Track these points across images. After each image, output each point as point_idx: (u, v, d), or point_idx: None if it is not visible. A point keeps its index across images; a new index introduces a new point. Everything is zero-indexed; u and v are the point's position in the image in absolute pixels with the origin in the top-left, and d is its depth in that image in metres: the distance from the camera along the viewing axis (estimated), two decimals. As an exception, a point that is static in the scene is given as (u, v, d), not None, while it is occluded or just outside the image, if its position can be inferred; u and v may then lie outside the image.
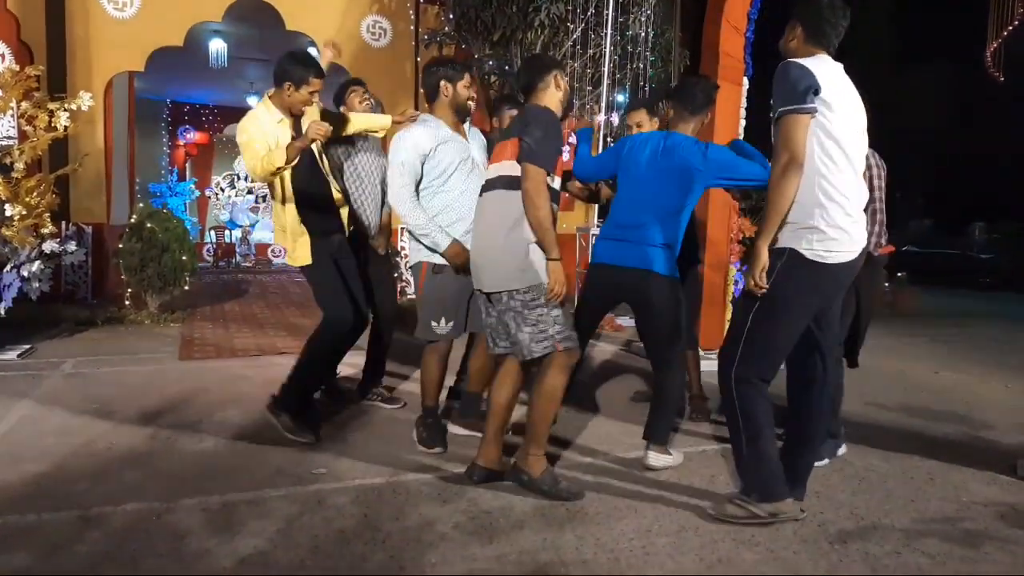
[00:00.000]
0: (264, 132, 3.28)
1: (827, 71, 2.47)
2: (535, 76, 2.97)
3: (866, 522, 2.70)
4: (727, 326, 5.74)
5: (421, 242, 3.30)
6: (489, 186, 2.95)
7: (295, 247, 3.50)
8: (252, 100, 13.93)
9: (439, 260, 3.29)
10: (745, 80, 5.73)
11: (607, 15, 6.88)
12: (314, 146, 3.46)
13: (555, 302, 2.79)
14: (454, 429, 3.58)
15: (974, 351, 6.81)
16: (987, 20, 7.05)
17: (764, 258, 2.49)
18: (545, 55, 3.21)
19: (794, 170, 2.40)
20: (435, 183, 3.27)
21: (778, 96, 2.44)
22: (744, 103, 5.76)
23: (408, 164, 3.22)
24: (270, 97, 3.40)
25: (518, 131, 2.85)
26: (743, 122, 5.75)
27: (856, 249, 2.50)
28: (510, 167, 2.85)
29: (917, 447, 3.64)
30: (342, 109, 4.17)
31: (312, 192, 3.53)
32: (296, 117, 3.44)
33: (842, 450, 3.48)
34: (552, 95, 2.96)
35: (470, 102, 3.40)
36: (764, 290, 2.51)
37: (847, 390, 3.58)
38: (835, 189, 2.44)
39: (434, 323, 3.31)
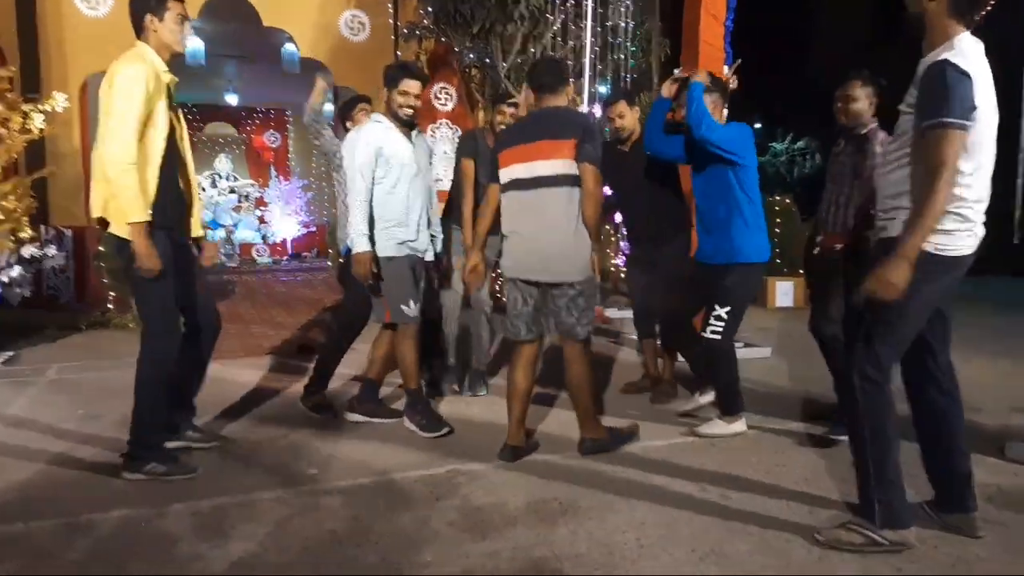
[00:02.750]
0: (147, 96, 2.81)
1: (975, 65, 2.22)
2: (559, 79, 3.21)
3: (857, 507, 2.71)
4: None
5: (354, 235, 3.49)
6: (547, 182, 3.08)
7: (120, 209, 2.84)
8: (231, 98, 13.78)
9: (390, 252, 3.53)
10: (726, 68, 5.73)
11: (587, 6, 6.86)
12: (162, 126, 2.90)
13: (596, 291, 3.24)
14: (352, 417, 3.76)
15: (957, 334, 6.87)
16: None
17: (908, 275, 2.22)
18: (561, 60, 3.40)
19: (951, 183, 2.21)
20: (386, 185, 3.51)
21: (938, 103, 2.18)
22: (726, 92, 5.77)
23: (367, 165, 3.47)
24: (141, 42, 2.94)
25: (572, 134, 3.05)
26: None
27: (974, 244, 2.36)
28: (568, 166, 3.05)
29: (905, 430, 3.66)
30: (348, 125, 4.12)
31: (170, 176, 2.97)
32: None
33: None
34: (564, 100, 3.26)
35: (406, 110, 3.53)
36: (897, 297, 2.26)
37: (827, 374, 3.62)
38: (961, 195, 2.27)
39: (404, 307, 3.53)
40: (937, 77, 2.20)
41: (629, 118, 4.12)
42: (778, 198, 9.91)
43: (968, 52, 2.24)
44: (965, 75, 2.18)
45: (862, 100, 3.42)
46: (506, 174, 3.22)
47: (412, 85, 3.51)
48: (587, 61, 6.83)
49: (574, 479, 2.99)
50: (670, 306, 3.85)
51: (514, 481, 2.97)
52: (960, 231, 2.31)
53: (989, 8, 2.32)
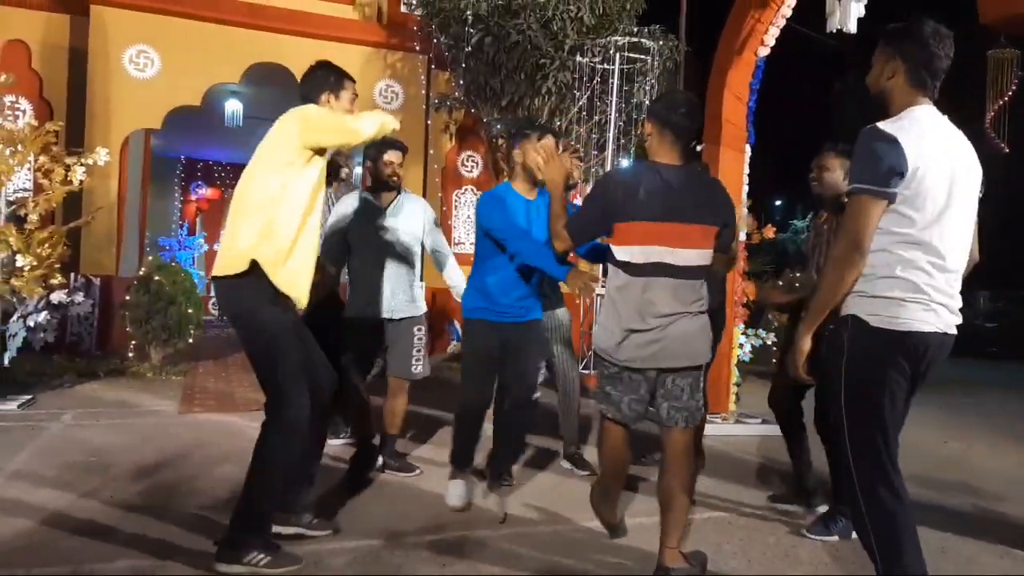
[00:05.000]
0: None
1: (924, 136, 2.09)
2: (697, 125, 2.76)
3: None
4: (732, 389, 5.76)
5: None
6: (697, 273, 2.61)
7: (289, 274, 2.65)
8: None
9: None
10: (747, 147, 5.85)
11: (612, 83, 7.08)
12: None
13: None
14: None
15: (983, 420, 6.72)
16: (984, 85, 6.72)
17: (806, 346, 2.20)
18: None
19: (857, 257, 2.08)
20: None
21: (856, 169, 2.12)
22: (747, 169, 5.87)
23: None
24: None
25: (724, 219, 2.63)
26: (746, 187, 5.85)
27: (936, 322, 2.10)
28: (705, 257, 2.62)
29: (927, 519, 3.55)
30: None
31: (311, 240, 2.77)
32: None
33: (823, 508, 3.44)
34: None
35: (394, 179, 3.78)
36: (809, 380, 2.33)
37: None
38: (908, 269, 2.08)
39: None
40: (863, 145, 2.10)
41: None
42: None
43: (919, 120, 2.12)
44: (887, 140, 2.05)
45: (836, 170, 3.42)
46: (645, 253, 2.57)
47: (395, 155, 3.79)
48: (611, 135, 7.00)
49: (585, 550, 2.92)
50: None
51: (524, 551, 2.90)
52: (911, 302, 2.07)
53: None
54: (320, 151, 2.68)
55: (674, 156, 2.63)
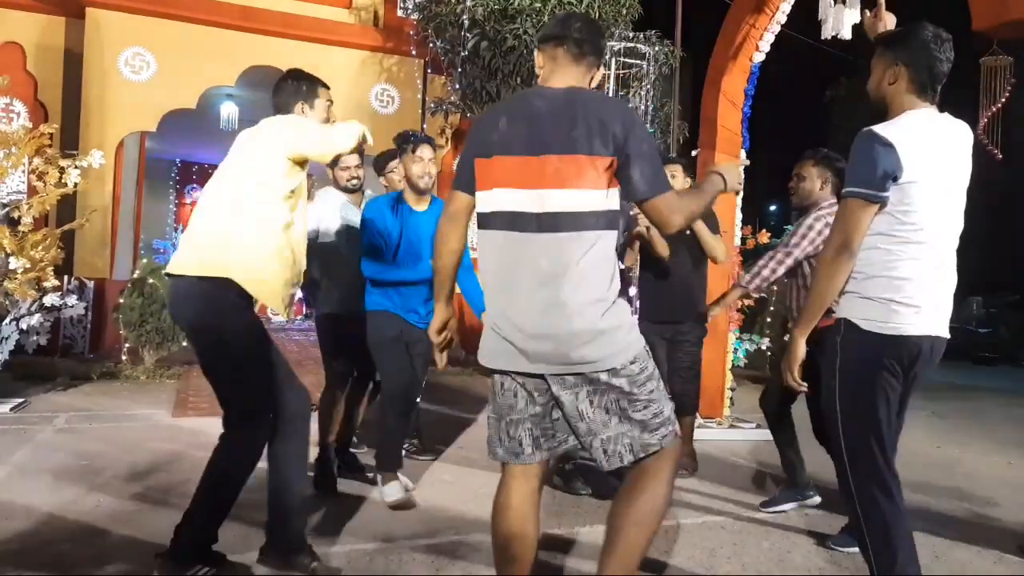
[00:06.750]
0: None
1: (920, 140, 2.09)
2: (595, 45, 2.05)
3: (870, 600, 2.62)
4: (727, 394, 5.76)
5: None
6: (570, 223, 1.88)
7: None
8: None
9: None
10: (742, 152, 5.87)
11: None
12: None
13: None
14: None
15: (975, 425, 6.74)
16: (977, 93, 6.76)
17: (801, 351, 2.21)
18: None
19: (846, 258, 2.11)
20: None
21: (851, 172, 2.13)
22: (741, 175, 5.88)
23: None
24: None
25: (611, 144, 1.88)
26: (740, 193, 5.86)
27: (924, 326, 2.11)
28: (604, 199, 1.91)
29: (920, 524, 3.56)
30: (381, 180, 4.16)
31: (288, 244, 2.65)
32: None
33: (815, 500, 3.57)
34: (588, 83, 2.07)
35: (353, 181, 3.97)
36: (802, 388, 2.25)
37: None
38: (899, 270, 2.11)
39: None
40: (859, 149, 2.12)
41: (679, 181, 3.95)
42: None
43: (916, 123, 2.12)
44: (883, 143, 2.06)
45: (813, 179, 3.41)
46: (492, 200, 1.98)
47: (352, 159, 3.93)
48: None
49: (580, 553, 2.92)
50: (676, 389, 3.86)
51: (517, 555, 2.89)
52: (901, 306, 2.09)
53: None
54: (302, 163, 2.59)
55: (561, 78, 2.02)
